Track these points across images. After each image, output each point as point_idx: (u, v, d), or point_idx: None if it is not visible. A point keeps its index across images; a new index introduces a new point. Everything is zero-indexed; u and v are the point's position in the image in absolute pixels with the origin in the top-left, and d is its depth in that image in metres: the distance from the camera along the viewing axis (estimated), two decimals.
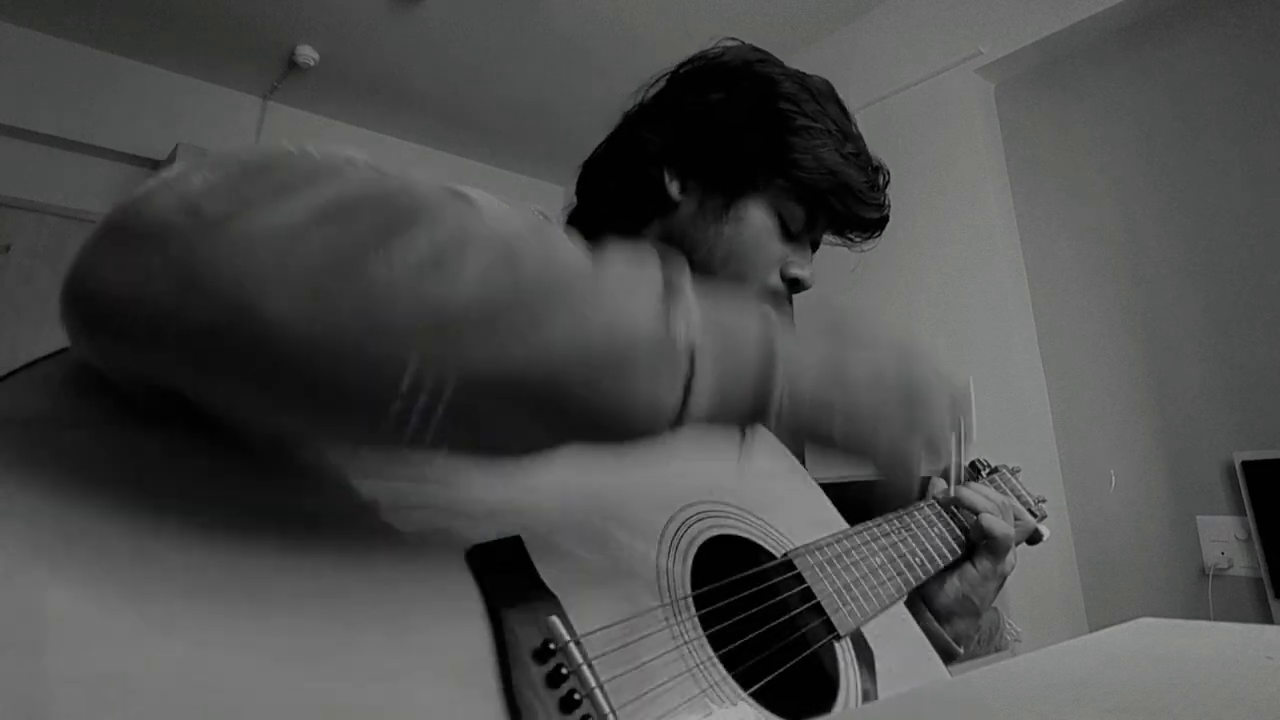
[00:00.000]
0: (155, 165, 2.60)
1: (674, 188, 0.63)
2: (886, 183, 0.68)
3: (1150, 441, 1.62)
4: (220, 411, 0.29)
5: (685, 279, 0.33)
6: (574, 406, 0.29)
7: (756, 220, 0.63)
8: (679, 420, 0.31)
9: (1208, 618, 1.47)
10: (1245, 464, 1.43)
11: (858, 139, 0.66)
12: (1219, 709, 0.19)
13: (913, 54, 2.13)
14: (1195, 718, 0.19)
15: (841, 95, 0.68)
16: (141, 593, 0.27)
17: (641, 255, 0.33)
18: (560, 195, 3.58)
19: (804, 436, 0.36)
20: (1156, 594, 1.56)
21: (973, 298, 1.88)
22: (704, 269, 0.62)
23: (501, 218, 0.30)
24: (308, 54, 2.50)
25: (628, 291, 0.30)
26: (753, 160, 0.62)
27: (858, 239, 0.69)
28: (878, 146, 0.69)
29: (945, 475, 0.73)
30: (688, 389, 0.30)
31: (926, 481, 0.77)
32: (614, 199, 0.66)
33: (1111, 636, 0.30)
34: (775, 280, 0.64)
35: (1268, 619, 1.40)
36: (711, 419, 0.32)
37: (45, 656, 0.24)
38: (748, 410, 0.33)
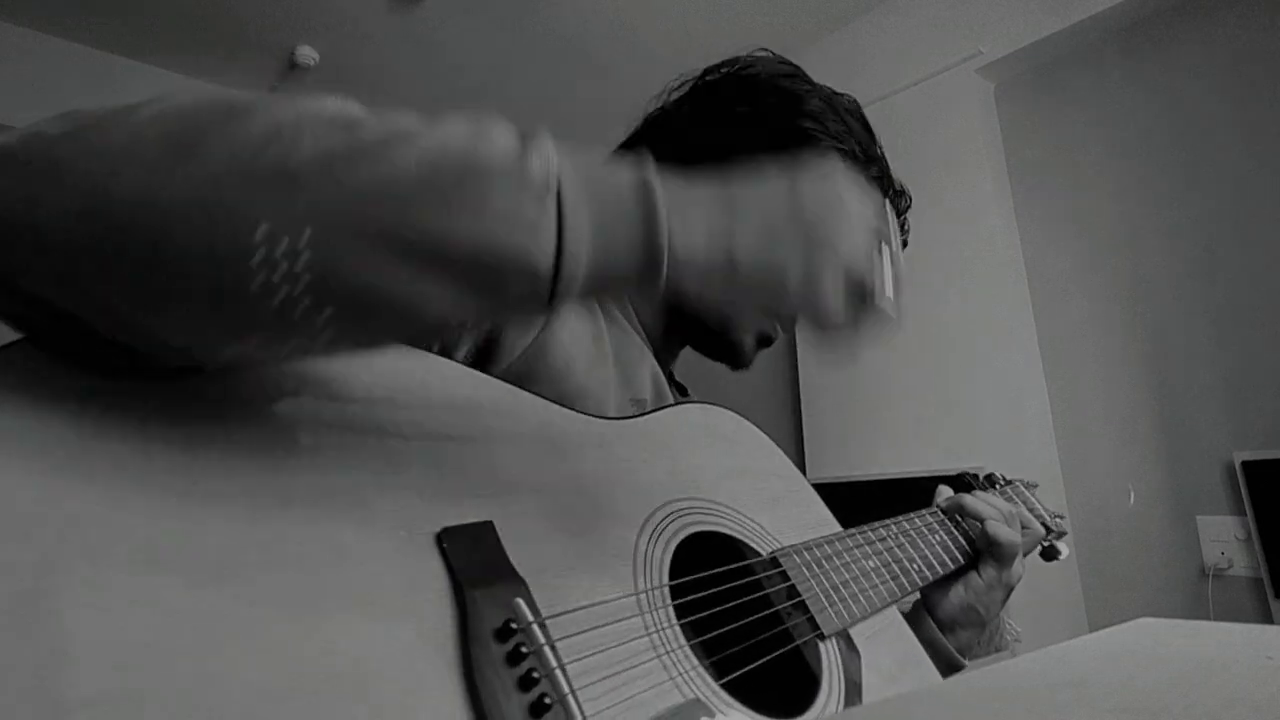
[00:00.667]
0: None
1: None
2: (908, 207, 0.67)
3: (1150, 441, 1.62)
4: (115, 348, 0.29)
5: (544, 133, 0.32)
6: (434, 241, 0.28)
7: None
8: (560, 270, 0.29)
9: (1208, 618, 1.47)
10: (1245, 464, 1.43)
11: (881, 160, 0.65)
12: (1219, 709, 0.19)
13: (913, 54, 2.13)
14: (1195, 718, 0.19)
15: (860, 108, 0.67)
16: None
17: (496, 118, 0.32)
18: None
19: (707, 298, 0.35)
20: (1156, 594, 1.56)
21: (973, 297, 1.88)
22: None
23: (342, 104, 0.31)
24: (308, 54, 2.50)
25: (478, 133, 0.30)
26: None
27: None
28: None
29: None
30: (560, 232, 0.29)
31: (932, 489, 0.76)
32: None
33: (1111, 636, 0.30)
34: None
35: (1268, 619, 1.40)
36: (599, 273, 0.31)
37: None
38: (637, 265, 0.32)
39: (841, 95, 0.66)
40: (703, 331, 0.66)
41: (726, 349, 0.66)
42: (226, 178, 0.26)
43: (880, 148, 0.66)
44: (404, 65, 2.62)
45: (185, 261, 0.26)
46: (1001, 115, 2.01)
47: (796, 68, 0.66)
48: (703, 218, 0.33)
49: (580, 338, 0.53)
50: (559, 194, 0.30)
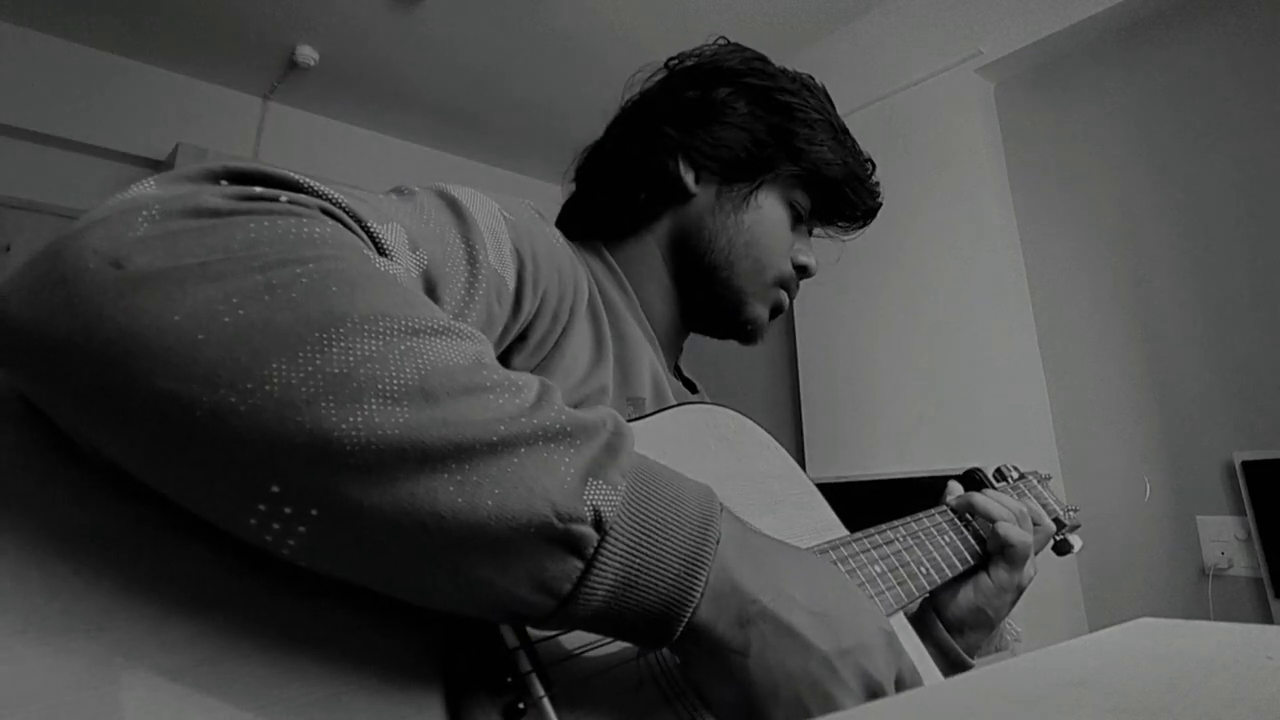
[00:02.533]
0: (155, 165, 2.60)
1: (689, 178, 0.64)
2: (873, 172, 0.70)
3: (1150, 441, 1.62)
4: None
5: (625, 449, 0.31)
6: (437, 575, 0.28)
7: (773, 209, 0.64)
8: (558, 614, 0.29)
9: (1208, 618, 1.47)
10: (1245, 464, 1.43)
11: (849, 133, 0.69)
12: (1219, 709, 0.19)
13: (913, 54, 2.13)
14: (1195, 718, 0.19)
15: (842, 95, 0.69)
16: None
17: (590, 414, 0.31)
18: (559, 195, 3.57)
19: (700, 681, 0.34)
20: (1156, 594, 1.56)
21: (973, 298, 1.88)
22: (724, 259, 0.63)
23: (438, 344, 0.29)
24: (308, 54, 2.50)
25: (542, 464, 0.28)
26: (770, 150, 0.63)
27: (848, 229, 0.71)
28: (877, 146, 0.71)
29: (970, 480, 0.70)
30: (580, 582, 0.29)
31: (942, 487, 0.75)
32: (623, 190, 0.65)
33: (1111, 636, 0.30)
34: (788, 268, 0.66)
35: (1268, 619, 1.40)
36: (599, 623, 0.31)
37: None
38: (646, 626, 0.31)
39: (802, 74, 0.68)
40: (715, 313, 0.66)
41: (740, 328, 0.66)
42: (271, 422, 0.25)
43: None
44: (404, 65, 2.62)
45: (193, 474, 0.26)
46: (1001, 115, 2.01)
47: (760, 54, 0.68)
48: (734, 622, 0.32)
49: (582, 349, 0.53)
50: (596, 550, 0.29)
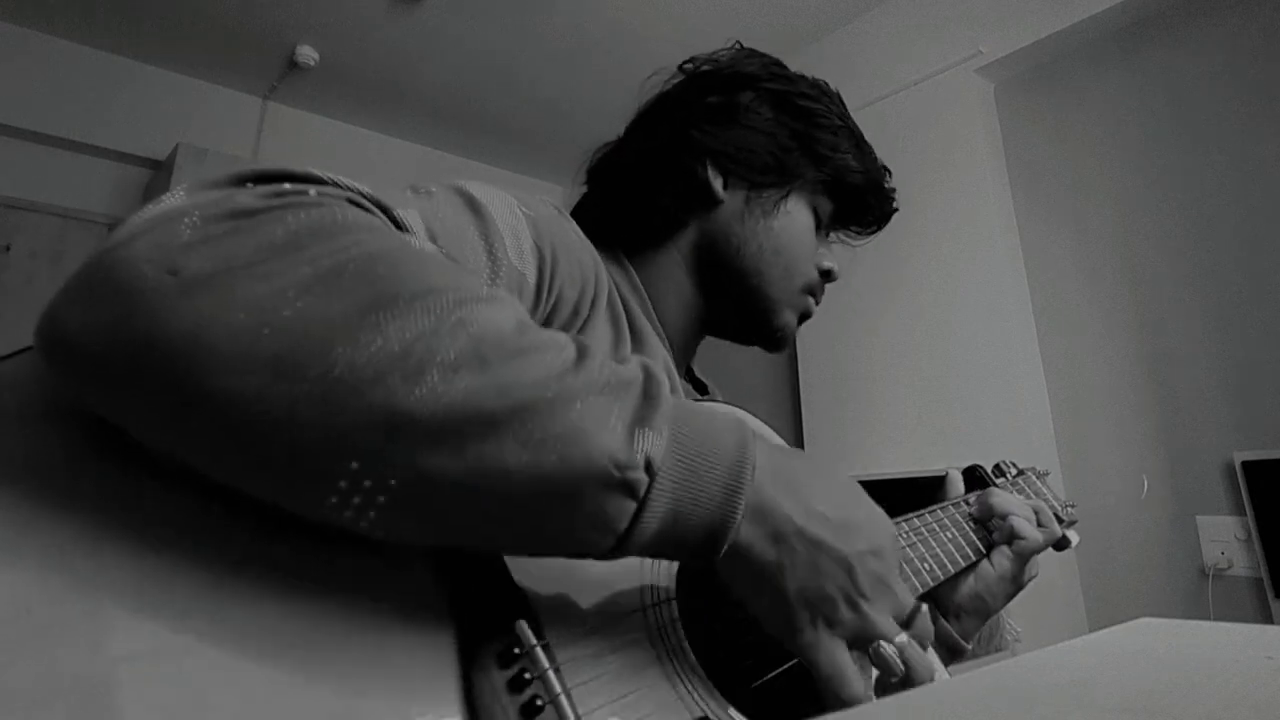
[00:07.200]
0: (155, 165, 2.60)
1: (718, 184, 0.63)
2: (890, 178, 0.71)
3: (1150, 441, 1.62)
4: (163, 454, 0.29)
5: (663, 395, 0.34)
6: (508, 525, 0.30)
7: (801, 216, 0.64)
8: (618, 548, 0.32)
9: (1208, 618, 1.47)
10: (1245, 464, 1.43)
11: (865, 139, 0.69)
12: (1219, 709, 0.19)
13: (913, 54, 2.13)
14: (1195, 718, 0.19)
15: (841, 95, 0.69)
16: (81, 594, 0.26)
17: (625, 369, 0.34)
18: (559, 195, 3.57)
19: (742, 596, 0.38)
20: (1156, 594, 1.56)
21: (972, 298, 1.88)
22: (753, 266, 0.62)
23: (485, 312, 0.31)
24: (308, 54, 2.50)
25: (594, 417, 0.30)
26: (796, 156, 0.63)
27: (863, 233, 0.71)
28: (877, 146, 0.70)
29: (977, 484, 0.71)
30: (635, 518, 0.32)
31: (942, 481, 0.75)
32: (647, 196, 0.64)
33: (1111, 636, 0.30)
34: (815, 274, 0.66)
35: (1268, 619, 1.40)
36: (654, 550, 0.34)
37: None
38: (694, 548, 0.35)
39: (819, 81, 0.68)
40: (743, 321, 0.66)
41: (770, 335, 0.66)
42: (340, 405, 0.26)
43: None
44: (404, 65, 2.62)
45: (271, 465, 0.27)
46: (1001, 115, 2.01)
47: (776, 59, 0.68)
48: (769, 539, 0.36)
49: (600, 345, 0.53)
50: (647, 491, 0.31)
